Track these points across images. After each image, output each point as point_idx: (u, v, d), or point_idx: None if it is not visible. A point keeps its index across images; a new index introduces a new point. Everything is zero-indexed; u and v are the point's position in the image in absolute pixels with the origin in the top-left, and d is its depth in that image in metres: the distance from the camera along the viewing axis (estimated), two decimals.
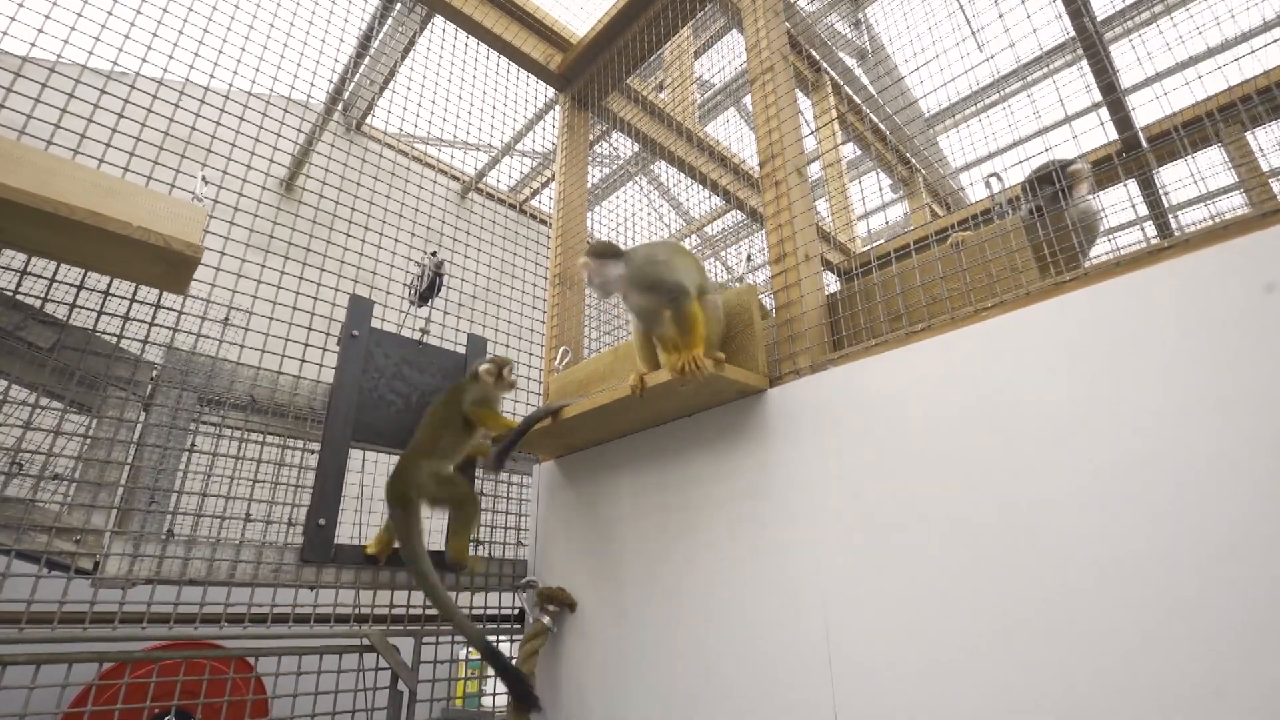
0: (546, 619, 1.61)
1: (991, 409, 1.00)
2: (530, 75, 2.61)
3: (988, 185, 1.28)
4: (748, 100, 4.04)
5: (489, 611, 1.80)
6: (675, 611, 1.39)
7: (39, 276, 1.30)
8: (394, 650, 1.56)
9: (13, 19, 1.37)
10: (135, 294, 1.38)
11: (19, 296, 1.27)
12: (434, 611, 1.67)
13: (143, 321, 1.38)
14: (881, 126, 3.59)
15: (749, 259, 1.43)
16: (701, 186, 3.06)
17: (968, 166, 3.04)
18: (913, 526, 1.04)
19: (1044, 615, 0.88)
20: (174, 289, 1.34)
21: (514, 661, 1.58)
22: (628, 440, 1.60)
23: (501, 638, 1.83)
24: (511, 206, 2.52)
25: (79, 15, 1.44)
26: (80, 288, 1.33)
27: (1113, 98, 1.68)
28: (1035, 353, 0.98)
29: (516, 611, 1.87)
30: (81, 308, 1.32)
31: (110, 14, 1.48)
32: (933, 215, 4.24)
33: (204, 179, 1.52)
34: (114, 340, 1.35)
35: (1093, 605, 0.84)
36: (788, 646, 1.16)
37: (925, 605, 1.00)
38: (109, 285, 1.36)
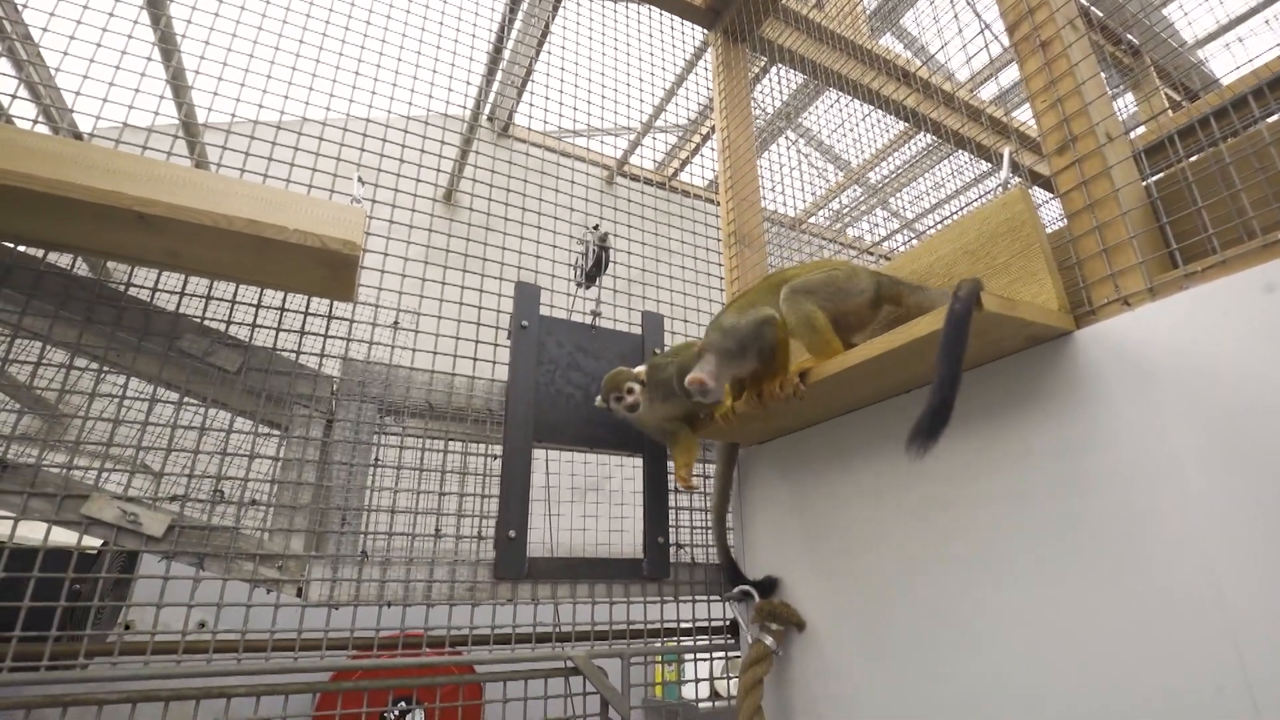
0: (769, 640, 1.34)
1: None
2: (671, 32, 2.35)
3: None
4: (906, 20, 3.43)
5: (698, 624, 1.57)
6: (948, 638, 1.04)
7: (220, 300, 1.28)
8: (601, 673, 1.38)
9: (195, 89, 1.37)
10: (308, 307, 1.34)
11: (206, 321, 1.26)
12: (639, 626, 1.48)
13: (318, 335, 1.33)
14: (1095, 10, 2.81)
15: (1007, 155, 1.03)
16: (881, 112, 2.59)
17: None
18: None
19: None
20: (340, 295, 1.27)
21: (733, 696, 1.33)
22: (858, 416, 1.27)
23: (716, 654, 1.59)
24: (660, 185, 2.29)
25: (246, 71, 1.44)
26: (259, 306, 1.30)
27: None
28: None
29: (728, 623, 1.62)
30: (261, 326, 1.29)
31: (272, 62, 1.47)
32: (1172, 104, 3.31)
33: (360, 179, 1.45)
34: (293, 356, 1.30)
35: None
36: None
37: None
38: (284, 300, 1.32)
